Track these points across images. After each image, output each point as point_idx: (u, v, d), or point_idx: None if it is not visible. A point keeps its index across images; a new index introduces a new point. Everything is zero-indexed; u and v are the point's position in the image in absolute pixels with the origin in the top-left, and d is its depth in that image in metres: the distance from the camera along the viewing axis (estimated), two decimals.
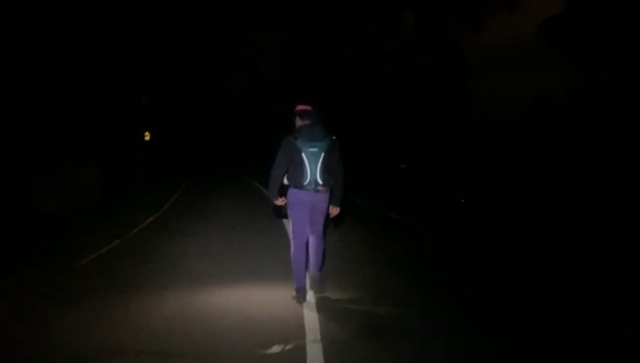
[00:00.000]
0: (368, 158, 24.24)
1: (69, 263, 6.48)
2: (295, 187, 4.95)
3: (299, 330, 4.11)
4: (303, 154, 4.83)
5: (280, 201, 5.04)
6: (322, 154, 4.90)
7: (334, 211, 5.16)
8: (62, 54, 16.06)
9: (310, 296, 5.04)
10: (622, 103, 17.48)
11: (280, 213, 5.55)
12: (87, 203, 12.18)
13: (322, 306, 4.80)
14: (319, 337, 3.93)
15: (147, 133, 29.13)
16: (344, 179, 5.14)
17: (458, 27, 21.27)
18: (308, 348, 3.71)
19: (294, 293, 4.99)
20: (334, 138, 5.05)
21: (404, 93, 23.14)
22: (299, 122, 5.09)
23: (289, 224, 5.33)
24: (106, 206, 12.51)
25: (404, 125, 23.58)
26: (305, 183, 4.87)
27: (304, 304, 4.83)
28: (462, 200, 15.23)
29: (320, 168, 4.89)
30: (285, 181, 5.01)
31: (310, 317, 4.45)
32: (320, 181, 4.90)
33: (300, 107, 5.15)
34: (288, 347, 3.71)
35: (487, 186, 16.68)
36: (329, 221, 5.40)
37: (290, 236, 5.23)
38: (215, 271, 6.04)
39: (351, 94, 24.99)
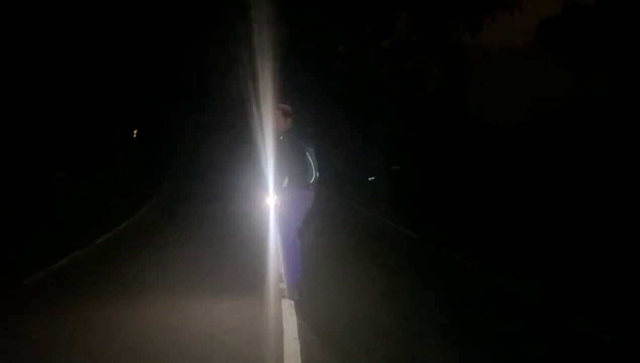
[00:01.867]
0: (360, 158, 23.89)
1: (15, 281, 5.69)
2: (301, 188, 5.02)
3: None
4: (308, 155, 5.04)
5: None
6: (314, 153, 5.13)
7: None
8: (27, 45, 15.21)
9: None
10: (620, 108, 17.20)
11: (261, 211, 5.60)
12: (55, 208, 11.16)
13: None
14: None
15: (134, 131, 28.50)
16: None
17: (455, 27, 20.72)
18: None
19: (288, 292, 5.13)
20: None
21: (399, 92, 22.61)
22: (287, 122, 5.14)
23: (278, 226, 5.20)
24: (75, 212, 11.31)
25: (398, 125, 23.14)
26: (311, 182, 5.08)
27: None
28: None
29: (316, 167, 5.12)
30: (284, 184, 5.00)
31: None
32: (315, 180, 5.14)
33: (285, 106, 5.27)
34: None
35: (480, 189, 16.29)
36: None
37: (283, 237, 5.17)
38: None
39: (345, 94, 24.47)
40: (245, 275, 5.90)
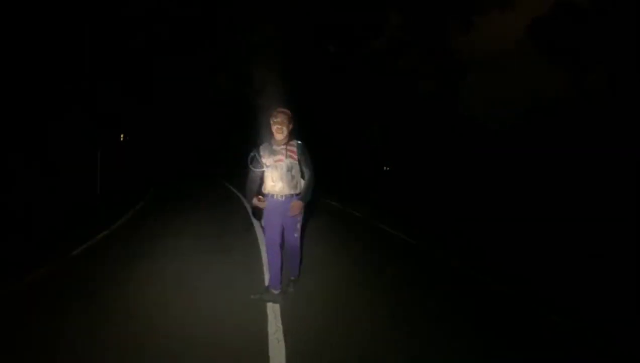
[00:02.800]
0: (352, 158, 23.77)
1: None
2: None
3: None
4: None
5: None
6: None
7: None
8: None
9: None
10: (613, 105, 17.23)
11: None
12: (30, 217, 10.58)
13: None
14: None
15: (121, 135, 28.08)
16: None
17: (447, 27, 20.65)
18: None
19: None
20: None
21: (390, 93, 22.49)
22: (290, 128, 4.96)
23: (297, 232, 5.11)
24: (52, 219, 10.64)
25: (390, 126, 23.05)
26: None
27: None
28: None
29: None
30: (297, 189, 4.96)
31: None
32: None
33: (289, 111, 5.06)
34: None
35: (472, 191, 16.24)
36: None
37: (300, 240, 5.19)
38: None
39: (336, 94, 24.32)
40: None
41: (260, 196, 4.99)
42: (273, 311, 4.57)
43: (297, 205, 4.82)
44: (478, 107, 19.78)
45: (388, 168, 24.45)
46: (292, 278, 5.31)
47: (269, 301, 4.81)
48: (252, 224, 9.45)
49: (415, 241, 8.73)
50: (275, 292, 4.90)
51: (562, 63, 19.63)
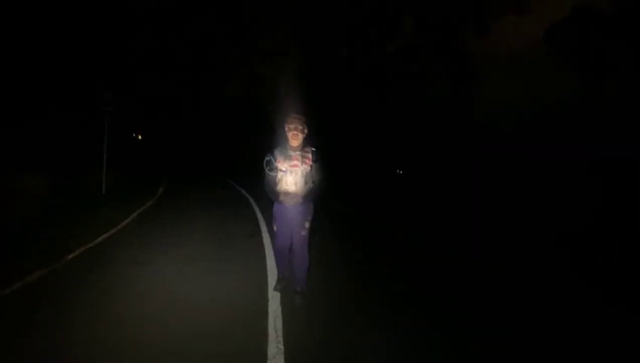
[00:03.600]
0: (364, 162, 23.61)
1: None
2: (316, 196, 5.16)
3: None
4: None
5: None
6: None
7: None
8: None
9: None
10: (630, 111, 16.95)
11: None
12: (21, 219, 10.03)
13: None
14: None
15: (139, 133, 28.16)
16: None
17: (463, 31, 20.39)
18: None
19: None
20: None
21: (403, 97, 22.26)
22: (305, 134, 5.07)
23: (304, 231, 5.16)
24: (46, 223, 9.98)
25: (402, 129, 22.80)
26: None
27: None
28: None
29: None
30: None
31: None
32: None
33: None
34: None
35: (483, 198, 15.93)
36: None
37: (307, 242, 5.21)
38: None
39: (348, 97, 24.12)
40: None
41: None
42: (275, 330, 4.32)
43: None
44: (492, 110, 19.55)
45: (401, 172, 24.19)
46: (299, 289, 5.20)
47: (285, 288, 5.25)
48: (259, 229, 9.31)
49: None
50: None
51: (578, 68, 19.33)
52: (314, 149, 5.07)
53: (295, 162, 4.96)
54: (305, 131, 5.03)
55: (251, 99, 32.70)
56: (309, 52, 24.57)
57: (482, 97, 20.47)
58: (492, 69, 20.33)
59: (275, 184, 5.02)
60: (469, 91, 20.38)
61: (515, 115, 18.92)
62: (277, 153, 5.02)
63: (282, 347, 3.99)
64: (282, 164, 4.96)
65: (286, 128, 4.99)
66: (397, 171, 24.39)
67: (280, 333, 4.27)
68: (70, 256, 6.70)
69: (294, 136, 4.96)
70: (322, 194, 5.17)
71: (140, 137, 28.90)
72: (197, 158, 39.69)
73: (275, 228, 5.28)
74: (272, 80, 28.49)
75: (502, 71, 20.21)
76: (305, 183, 5.00)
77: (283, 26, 24.81)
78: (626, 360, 4.29)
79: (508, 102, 19.29)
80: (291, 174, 4.97)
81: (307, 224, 5.10)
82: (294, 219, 5.05)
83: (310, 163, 4.98)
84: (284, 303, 4.99)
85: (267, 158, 5.01)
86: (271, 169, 5.00)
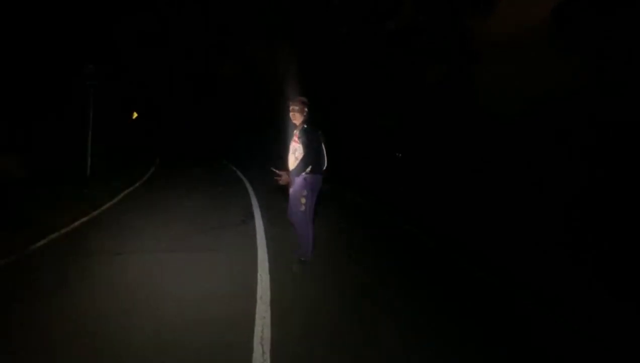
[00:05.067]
0: (364, 145, 23.12)
1: None
2: (316, 173, 5.40)
3: None
4: (322, 145, 5.52)
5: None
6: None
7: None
8: None
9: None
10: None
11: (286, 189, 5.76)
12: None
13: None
14: None
15: (134, 113, 27.34)
16: None
17: (464, 10, 19.70)
18: None
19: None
20: None
21: (402, 78, 21.59)
22: (304, 115, 5.47)
23: (302, 206, 5.40)
24: (16, 206, 9.11)
25: (402, 111, 22.19)
26: (324, 169, 5.56)
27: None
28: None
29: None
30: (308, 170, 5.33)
31: None
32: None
33: (306, 100, 5.55)
34: None
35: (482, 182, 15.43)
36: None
37: (305, 217, 5.44)
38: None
39: (348, 77, 23.45)
40: None
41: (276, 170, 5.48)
42: (261, 340, 3.68)
43: (283, 176, 5.37)
44: (493, 93, 18.98)
45: (400, 155, 23.61)
46: (296, 256, 5.60)
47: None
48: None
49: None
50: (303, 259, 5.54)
51: (583, 52, 18.74)
52: (305, 127, 5.39)
53: (294, 138, 5.46)
54: (304, 112, 5.45)
55: (247, 80, 31.88)
56: (308, 30, 23.82)
57: (484, 80, 19.82)
58: (496, 51, 19.64)
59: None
60: (471, 73, 19.70)
61: (518, 98, 18.39)
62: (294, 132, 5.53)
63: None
64: (291, 142, 5.53)
65: (290, 109, 5.49)
66: (397, 154, 23.77)
67: (268, 342, 3.66)
68: (37, 244, 6.05)
69: (293, 116, 5.47)
70: (314, 174, 5.36)
71: (135, 116, 27.92)
72: (197, 139, 38.82)
73: (308, 200, 5.51)
74: (269, 60, 27.70)
75: (505, 53, 19.53)
76: (296, 159, 5.35)
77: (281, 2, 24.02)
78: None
79: (511, 86, 18.71)
80: (291, 151, 5.47)
81: (302, 201, 5.37)
82: (293, 194, 5.47)
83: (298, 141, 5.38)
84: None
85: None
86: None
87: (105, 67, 13.46)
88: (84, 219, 7.85)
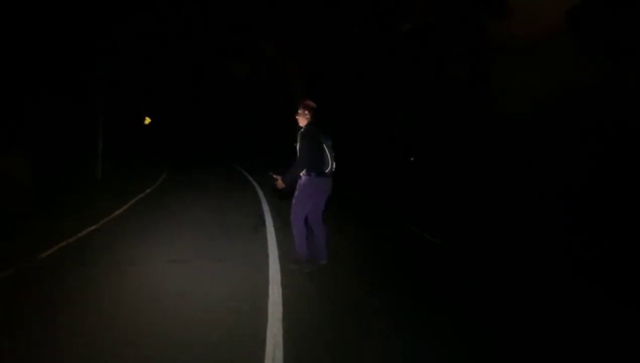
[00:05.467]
0: (375, 149, 22.90)
1: None
2: (318, 175, 5.48)
3: None
4: (324, 146, 5.52)
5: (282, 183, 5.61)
6: (331, 145, 5.62)
7: None
8: None
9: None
10: None
11: (282, 195, 6.13)
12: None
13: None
14: None
15: (147, 118, 27.30)
16: None
17: (481, 11, 19.42)
18: None
19: (300, 265, 5.65)
20: None
21: (415, 80, 21.33)
22: (309, 118, 5.61)
23: (296, 209, 5.59)
24: (23, 212, 8.79)
25: (415, 114, 21.96)
26: (327, 171, 5.55)
27: None
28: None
29: (333, 158, 5.61)
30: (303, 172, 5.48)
31: None
32: (334, 169, 5.66)
33: (312, 103, 5.68)
34: None
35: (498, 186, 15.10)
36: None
37: (297, 217, 5.60)
38: None
39: (359, 79, 23.22)
40: None
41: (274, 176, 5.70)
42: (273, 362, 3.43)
43: (279, 179, 5.58)
44: (509, 95, 18.69)
45: (413, 159, 23.37)
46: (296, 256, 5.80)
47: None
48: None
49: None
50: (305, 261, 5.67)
51: (600, 53, 18.40)
52: (301, 130, 5.54)
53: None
54: (306, 113, 5.60)
55: (258, 80, 31.65)
56: (320, 31, 23.57)
57: (500, 82, 19.56)
58: (512, 52, 19.37)
59: None
60: (487, 74, 19.42)
61: (534, 100, 18.10)
62: None
63: None
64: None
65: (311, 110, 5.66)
66: (410, 158, 23.53)
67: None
68: (44, 254, 5.88)
69: (297, 119, 5.68)
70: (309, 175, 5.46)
71: (148, 121, 27.91)
72: (210, 143, 38.67)
73: (306, 202, 5.68)
74: (280, 60, 27.46)
75: (521, 55, 19.25)
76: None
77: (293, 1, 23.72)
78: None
79: (526, 87, 18.42)
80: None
81: (293, 201, 5.63)
82: (328, 190, 5.73)
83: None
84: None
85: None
86: None
87: (115, 68, 13.40)
88: (93, 227, 7.68)
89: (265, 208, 10.27)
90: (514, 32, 19.24)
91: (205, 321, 4.08)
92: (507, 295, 5.19)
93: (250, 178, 17.28)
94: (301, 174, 5.45)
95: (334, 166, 5.61)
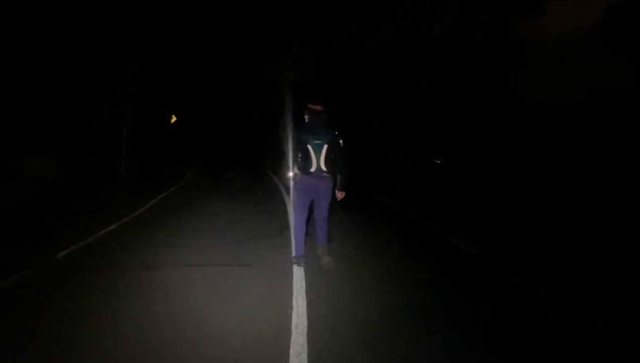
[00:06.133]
0: (401, 151, 22.59)
1: None
2: (303, 174, 5.67)
3: None
4: (308, 146, 5.59)
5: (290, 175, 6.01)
6: (325, 146, 5.61)
7: (340, 195, 5.90)
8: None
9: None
10: None
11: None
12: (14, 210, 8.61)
13: None
14: None
15: (173, 116, 27.29)
16: (348, 169, 5.82)
17: (515, 12, 19.04)
18: None
19: (293, 259, 5.83)
20: (336, 133, 5.74)
21: (447, 81, 20.92)
22: (307, 119, 5.81)
23: (294, 208, 6.01)
24: (45, 212, 8.71)
25: (444, 117, 21.56)
26: (311, 170, 5.62)
27: None
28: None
29: (324, 157, 5.60)
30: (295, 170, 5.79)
31: None
32: (324, 169, 5.64)
33: (312, 106, 5.78)
34: None
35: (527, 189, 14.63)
36: (336, 203, 6.12)
37: (293, 213, 6.06)
38: None
39: (388, 82, 22.91)
40: None
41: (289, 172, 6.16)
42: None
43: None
44: (542, 97, 18.21)
45: (439, 161, 22.99)
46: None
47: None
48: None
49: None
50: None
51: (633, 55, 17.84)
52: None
53: None
54: (305, 116, 5.84)
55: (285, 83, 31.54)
56: (349, 33, 23.37)
57: (532, 85, 19.06)
58: (545, 54, 18.87)
59: None
60: (519, 76, 18.96)
61: (566, 103, 17.58)
62: None
63: None
64: None
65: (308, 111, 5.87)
66: (435, 160, 23.15)
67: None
68: (60, 254, 5.72)
69: (308, 117, 5.85)
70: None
71: (174, 120, 27.83)
72: (238, 143, 38.55)
73: (295, 198, 6.03)
74: (308, 62, 27.32)
75: (554, 56, 18.76)
76: None
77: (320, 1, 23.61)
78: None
79: (559, 90, 17.91)
80: None
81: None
82: (319, 190, 5.81)
83: None
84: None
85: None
86: None
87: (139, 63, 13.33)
88: (113, 226, 7.53)
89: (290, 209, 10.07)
90: (546, 32, 18.81)
91: (222, 336, 3.83)
92: (548, 309, 4.86)
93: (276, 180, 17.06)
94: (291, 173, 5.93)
95: (329, 165, 5.63)
